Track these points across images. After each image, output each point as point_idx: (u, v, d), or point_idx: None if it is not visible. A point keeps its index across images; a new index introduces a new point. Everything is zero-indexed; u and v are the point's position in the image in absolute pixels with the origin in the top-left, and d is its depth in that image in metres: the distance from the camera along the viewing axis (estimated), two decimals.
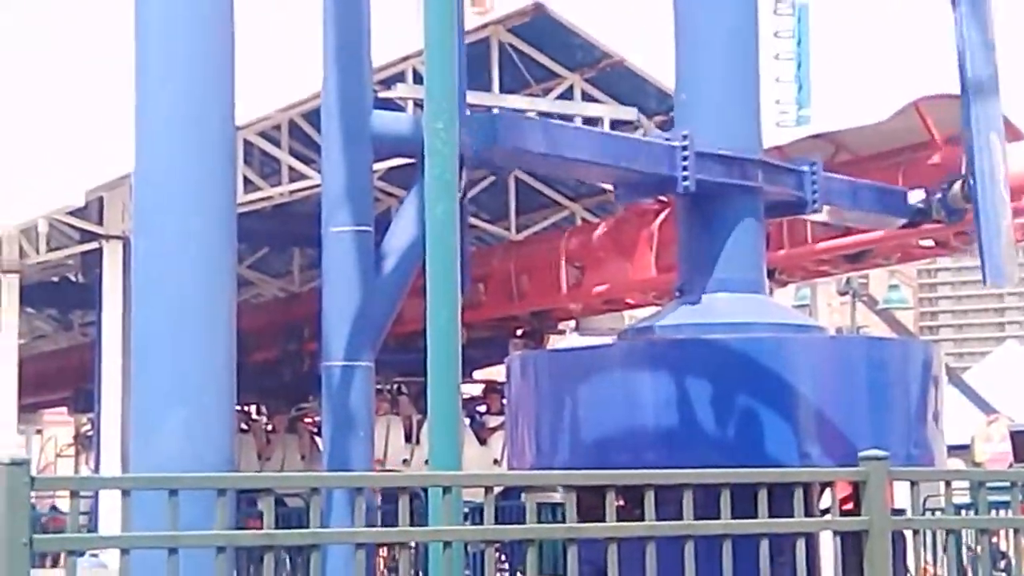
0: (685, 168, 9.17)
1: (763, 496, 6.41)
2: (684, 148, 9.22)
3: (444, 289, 7.31)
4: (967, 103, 9.06)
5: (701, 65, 9.63)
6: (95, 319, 18.52)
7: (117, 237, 17.05)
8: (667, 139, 9.38)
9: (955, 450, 16.81)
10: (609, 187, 17.02)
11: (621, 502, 6.43)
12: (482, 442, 18.73)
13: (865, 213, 10.68)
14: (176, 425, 8.01)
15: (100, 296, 17.13)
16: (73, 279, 22.62)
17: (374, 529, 6.04)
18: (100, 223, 17.28)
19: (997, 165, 8.92)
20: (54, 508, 19.84)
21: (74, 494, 5.48)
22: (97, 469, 17.30)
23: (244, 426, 21.11)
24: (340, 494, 8.40)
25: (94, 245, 17.53)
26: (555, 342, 20.73)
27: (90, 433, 23.59)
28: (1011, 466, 19.88)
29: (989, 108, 8.97)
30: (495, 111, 15.55)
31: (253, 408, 22.95)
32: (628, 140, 10.25)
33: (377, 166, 12.92)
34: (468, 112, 10.18)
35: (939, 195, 10.76)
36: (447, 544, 5.77)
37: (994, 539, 11.13)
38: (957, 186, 10.56)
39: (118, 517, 5.48)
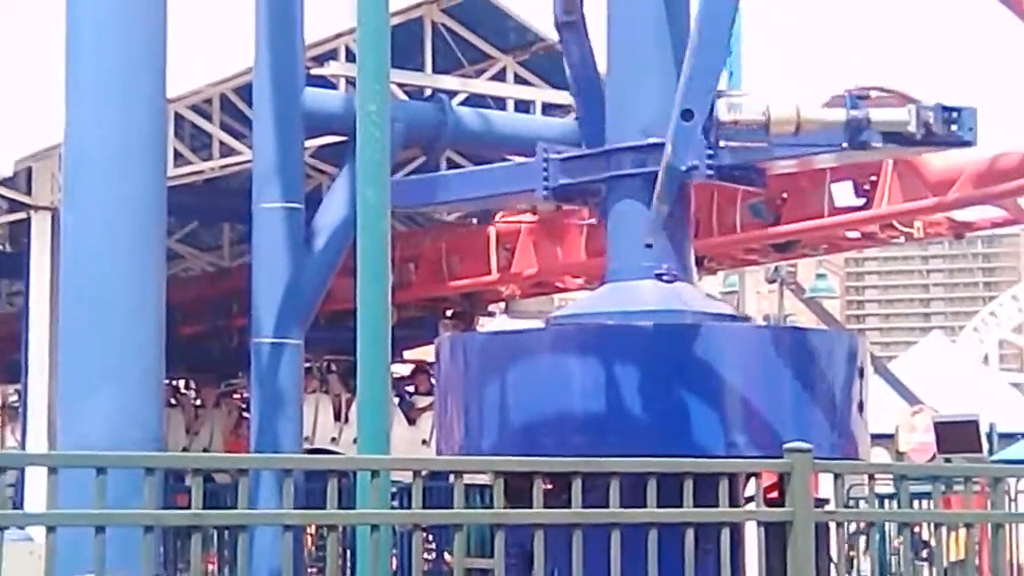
0: (546, 178, 9.62)
1: (688, 486, 6.46)
2: (545, 160, 9.59)
3: (374, 272, 7.32)
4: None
5: (631, 51, 9.65)
6: (23, 290, 18.35)
7: (46, 208, 16.89)
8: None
9: (879, 439, 16.98)
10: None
11: (550, 485, 6.46)
12: (411, 422, 18.72)
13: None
14: (104, 401, 7.98)
15: (28, 268, 16.97)
16: (0, 249, 22.41)
17: (301, 511, 6.04)
18: (28, 193, 17.11)
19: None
20: None
21: (0, 470, 5.45)
22: (24, 441, 17.15)
23: (172, 400, 21.01)
24: (269, 471, 8.39)
25: (22, 215, 17.36)
26: (485, 324, 20.75)
27: (17, 404, 23.40)
28: (934, 457, 20.08)
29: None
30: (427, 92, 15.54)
31: (182, 382, 22.85)
32: (493, 170, 10.97)
33: (308, 143, 12.90)
34: (402, 93, 10.27)
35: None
36: (374, 527, 5.79)
37: (917, 528, 11.26)
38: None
39: (44, 493, 5.46)
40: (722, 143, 8.77)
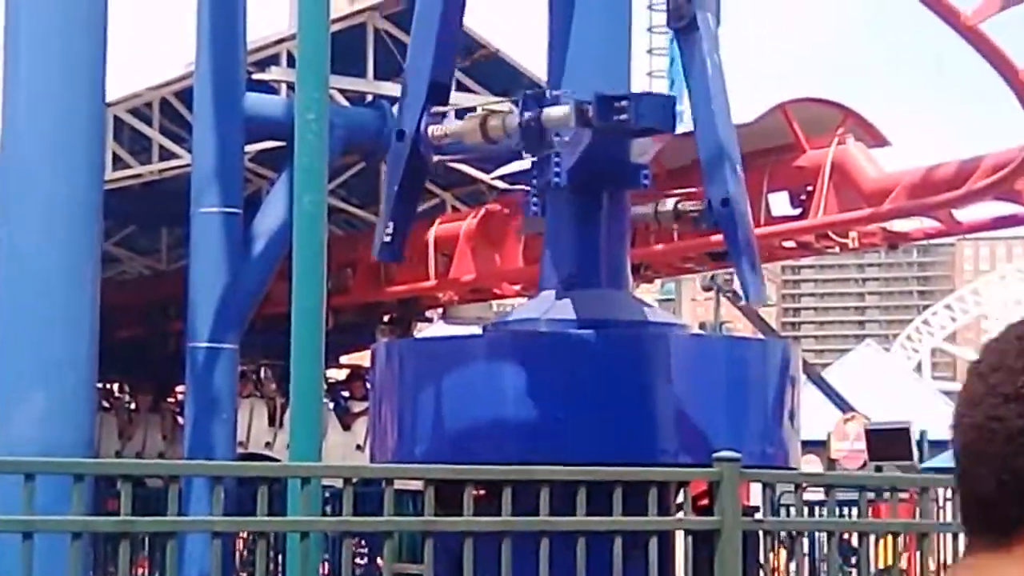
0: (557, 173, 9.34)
1: (618, 495, 6.51)
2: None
3: (310, 278, 7.34)
4: (699, 127, 9.30)
5: (573, 58, 9.69)
6: None
7: None
8: None
9: (811, 446, 17.15)
10: (482, 176, 17.12)
11: (482, 491, 6.51)
12: (346, 427, 18.71)
13: None
14: (35, 406, 7.95)
15: None
16: None
17: (232, 518, 6.05)
18: None
19: (740, 190, 9.11)
20: None
21: None
22: None
23: (106, 404, 20.89)
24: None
25: None
26: (422, 330, 20.77)
27: None
28: (865, 464, 20.26)
29: (725, 132, 9.18)
30: (369, 98, 15.56)
31: (116, 386, 22.71)
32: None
33: (248, 147, 12.88)
34: (343, 99, 10.24)
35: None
36: (304, 534, 5.81)
37: (846, 535, 11.37)
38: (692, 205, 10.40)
39: None
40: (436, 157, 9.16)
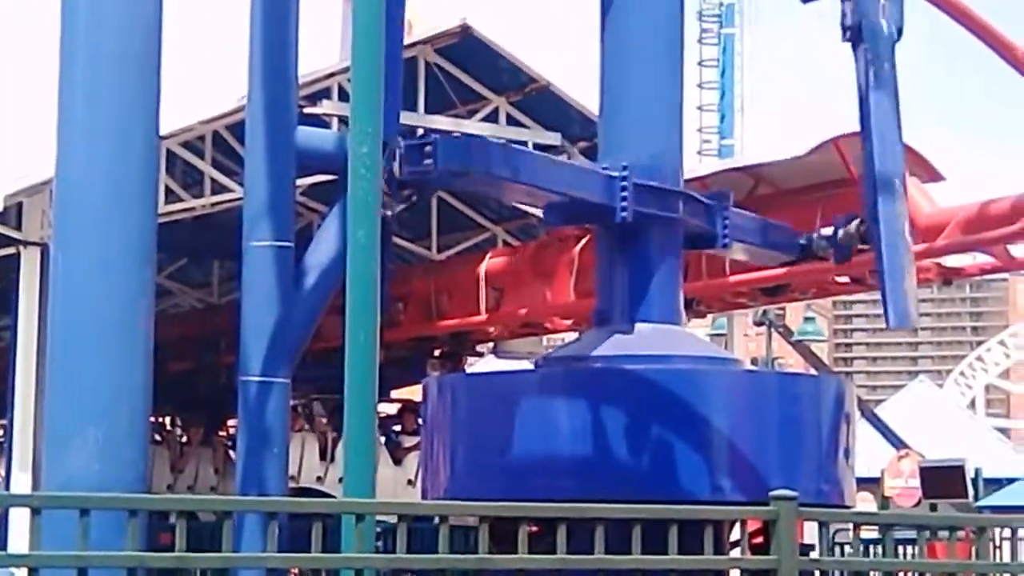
0: (624, 199, 9.20)
1: (674, 533, 6.45)
2: (623, 179, 9.27)
3: (363, 314, 7.31)
4: (867, 142, 9.13)
5: (626, 92, 9.69)
6: (10, 325, 18.30)
7: (35, 243, 16.87)
8: (605, 169, 9.42)
9: (865, 483, 16.98)
10: (533, 211, 17.09)
11: (535, 528, 6.46)
12: (397, 462, 18.67)
13: (750, 247, 10.66)
14: (89, 441, 7.94)
15: (16, 303, 16.93)
16: None
17: (286, 555, 6.02)
18: (19, 228, 17.08)
19: (900, 208, 8.96)
20: None
21: None
22: (8, 477, 17.07)
23: (158, 437, 20.94)
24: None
25: (11, 251, 17.33)
26: (473, 364, 20.74)
27: (1, 439, 23.30)
28: (920, 502, 20.07)
29: (890, 148, 9.04)
30: (420, 131, 15.56)
31: (168, 419, 22.77)
32: (570, 167, 10.29)
33: (300, 181, 12.90)
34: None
35: (828, 233, 10.77)
36: (359, 572, 5.77)
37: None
38: (853, 225, 10.59)
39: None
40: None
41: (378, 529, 9.11)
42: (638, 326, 9.34)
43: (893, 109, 9.02)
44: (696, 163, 26.23)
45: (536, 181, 9.24)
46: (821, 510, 7.44)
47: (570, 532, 6.31)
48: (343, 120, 14.63)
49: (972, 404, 49.54)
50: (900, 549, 10.52)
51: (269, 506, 6.18)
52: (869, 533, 12.11)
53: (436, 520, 6.17)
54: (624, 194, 9.21)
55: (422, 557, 6.18)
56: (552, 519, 6.27)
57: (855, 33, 8.96)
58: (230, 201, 16.41)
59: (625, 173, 9.24)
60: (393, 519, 6.18)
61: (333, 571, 6.28)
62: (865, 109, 9.00)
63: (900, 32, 9.10)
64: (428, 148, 8.77)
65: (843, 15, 9.03)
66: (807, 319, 35.80)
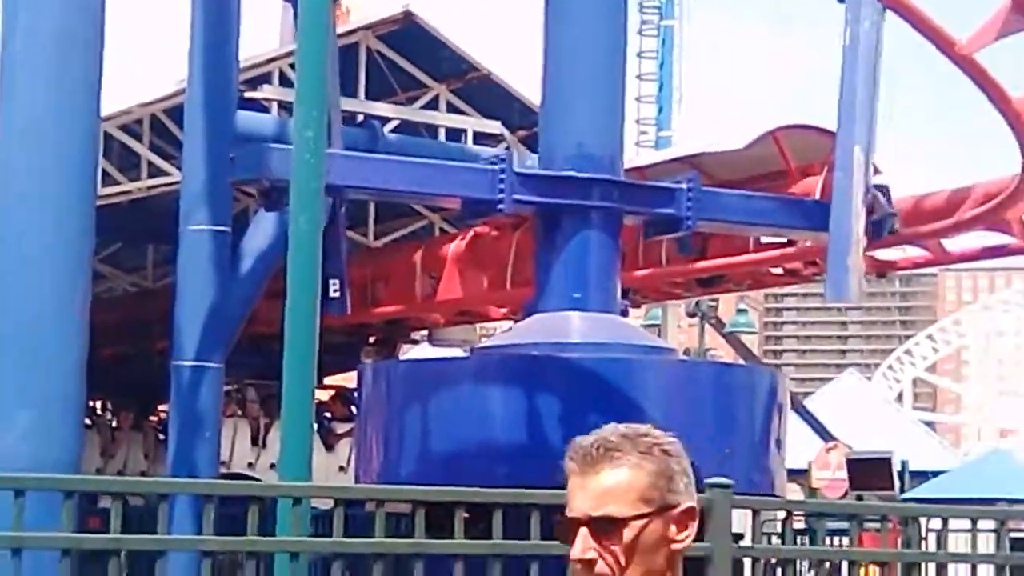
0: (501, 191, 9.37)
1: None
2: (502, 172, 9.42)
3: (304, 299, 7.31)
4: (840, 111, 9.09)
5: (567, 82, 9.74)
6: None
7: None
8: (489, 163, 9.57)
9: (792, 475, 17.12)
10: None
11: (468, 514, 6.49)
12: (329, 448, 18.63)
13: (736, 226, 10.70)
14: (22, 423, 7.91)
15: None
16: None
17: (223, 538, 6.02)
18: None
19: (856, 180, 8.94)
20: None
21: None
22: None
23: (88, 422, 20.79)
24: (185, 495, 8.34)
25: None
26: (407, 351, 20.72)
27: None
28: (847, 493, 20.26)
29: (860, 120, 8.98)
30: (360, 118, 15.55)
31: (99, 404, 22.61)
32: (455, 168, 10.44)
33: None
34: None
35: None
36: (294, 554, 5.78)
37: (827, 564, 11.36)
38: None
39: None
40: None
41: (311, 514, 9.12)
42: (573, 314, 9.39)
43: (869, 75, 8.94)
44: (634, 154, 26.27)
45: (426, 189, 9.74)
46: (755, 498, 7.51)
47: (505, 519, 6.34)
48: (283, 105, 14.57)
49: (900, 398, 50.02)
50: (826, 540, 10.62)
51: (207, 488, 6.18)
52: (797, 524, 12.24)
53: (371, 505, 6.19)
54: (502, 186, 9.34)
55: (359, 541, 6.20)
56: (488, 504, 6.30)
57: None
58: (167, 185, 16.31)
59: (503, 166, 9.40)
60: (324, 505, 6.20)
61: (268, 555, 6.30)
62: (844, 79, 8.92)
63: None
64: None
65: None
66: (740, 311, 35.97)
